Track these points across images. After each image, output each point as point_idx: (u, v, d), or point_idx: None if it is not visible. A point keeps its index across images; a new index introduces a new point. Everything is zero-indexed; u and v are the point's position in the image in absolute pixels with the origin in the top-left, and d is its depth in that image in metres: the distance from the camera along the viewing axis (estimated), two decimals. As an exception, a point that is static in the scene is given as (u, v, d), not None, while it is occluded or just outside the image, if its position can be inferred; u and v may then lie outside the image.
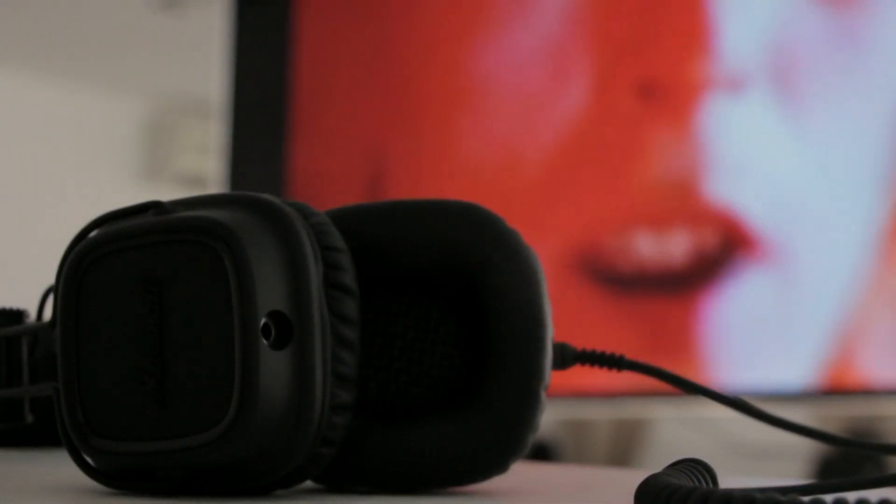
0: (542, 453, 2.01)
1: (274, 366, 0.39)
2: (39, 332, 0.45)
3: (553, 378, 0.46)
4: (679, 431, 1.89)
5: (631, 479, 0.53)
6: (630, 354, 0.44)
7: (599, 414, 1.82)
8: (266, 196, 0.41)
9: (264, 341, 0.39)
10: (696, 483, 0.38)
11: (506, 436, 0.43)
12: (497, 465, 0.44)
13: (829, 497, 0.33)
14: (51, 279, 0.47)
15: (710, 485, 0.39)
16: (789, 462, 1.78)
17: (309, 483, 0.46)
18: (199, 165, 3.94)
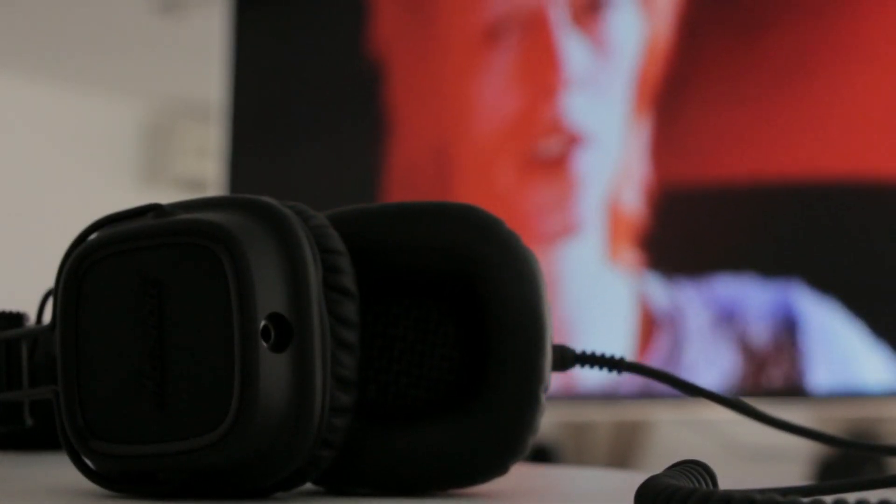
0: (542, 455, 2.02)
1: (273, 368, 0.39)
2: (39, 335, 0.44)
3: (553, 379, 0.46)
4: (679, 433, 1.89)
5: (631, 480, 0.53)
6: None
7: (599, 416, 1.82)
8: (265, 198, 0.41)
9: (264, 344, 0.39)
10: (697, 484, 0.38)
11: (506, 438, 0.43)
12: (497, 466, 0.44)
13: (828, 498, 0.33)
14: (50, 282, 0.47)
15: (710, 486, 0.39)
16: (789, 464, 1.78)
17: (309, 485, 0.46)
18: (198, 168, 3.94)
